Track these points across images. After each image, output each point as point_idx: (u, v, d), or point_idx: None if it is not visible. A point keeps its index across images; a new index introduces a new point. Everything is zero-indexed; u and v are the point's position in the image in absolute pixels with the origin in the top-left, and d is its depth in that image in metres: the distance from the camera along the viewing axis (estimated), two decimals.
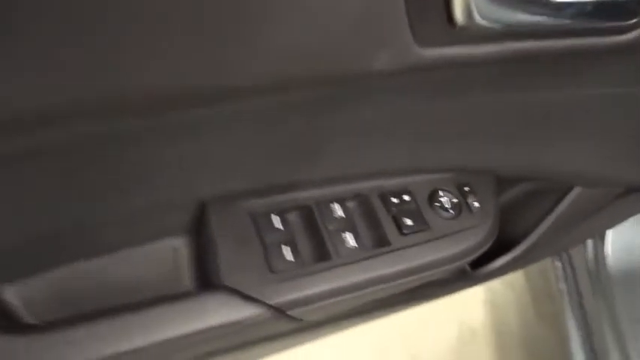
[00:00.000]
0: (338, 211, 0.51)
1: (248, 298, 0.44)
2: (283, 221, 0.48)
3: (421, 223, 0.53)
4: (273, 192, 0.49)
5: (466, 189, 0.57)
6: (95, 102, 0.30)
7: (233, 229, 0.46)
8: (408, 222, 0.52)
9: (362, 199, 0.53)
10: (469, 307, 1.59)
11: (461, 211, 0.55)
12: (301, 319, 0.48)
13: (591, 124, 0.57)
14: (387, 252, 0.50)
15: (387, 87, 0.40)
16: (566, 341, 1.29)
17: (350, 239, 0.49)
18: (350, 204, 0.53)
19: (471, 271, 0.79)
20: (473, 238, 0.54)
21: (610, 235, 1.14)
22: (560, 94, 0.50)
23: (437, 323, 1.57)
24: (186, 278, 0.49)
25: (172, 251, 0.50)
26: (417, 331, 1.58)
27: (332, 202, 0.51)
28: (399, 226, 0.52)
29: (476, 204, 0.56)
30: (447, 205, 0.55)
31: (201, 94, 0.32)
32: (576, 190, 0.70)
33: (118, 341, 0.40)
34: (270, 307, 0.44)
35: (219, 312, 0.42)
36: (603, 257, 1.14)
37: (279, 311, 0.45)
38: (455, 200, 0.55)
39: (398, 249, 0.50)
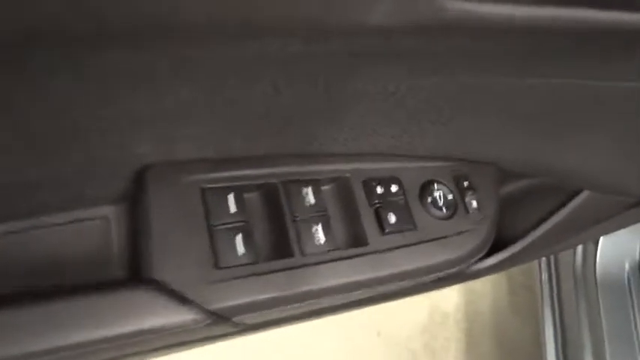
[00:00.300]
0: (309, 196, 0.41)
1: (182, 300, 0.35)
2: (240, 203, 0.39)
3: (407, 222, 0.44)
4: (232, 165, 0.40)
5: (465, 184, 0.48)
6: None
7: (175, 207, 0.37)
8: (392, 219, 0.43)
9: (341, 184, 0.44)
10: (444, 292, 1.55)
11: (455, 211, 0.46)
12: (247, 325, 0.39)
13: (613, 124, 0.48)
14: (362, 254, 0.41)
15: (390, 51, 0.30)
16: (539, 334, 1.24)
17: (319, 234, 0.40)
18: (325, 188, 0.43)
19: (465, 268, 0.71)
20: (465, 245, 0.45)
21: (602, 238, 1.07)
22: (585, 83, 0.41)
23: (409, 304, 1.52)
24: (116, 257, 0.40)
25: (103, 222, 0.40)
26: (386, 310, 1.53)
27: (303, 184, 0.42)
28: (381, 223, 0.43)
29: (474, 203, 0.47)
30: (440, 202, 0.46)
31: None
32: (585, 194, 0.61)
33: (13, 342, 0.32)
34: (209, 312, 0.35)
35: (141, 314, 0.33)
36: (593, 260, 1.08)
37: (221, 318, 0.36)
38: (450, 197, 0.47)
39: (375, 251, 0.42)
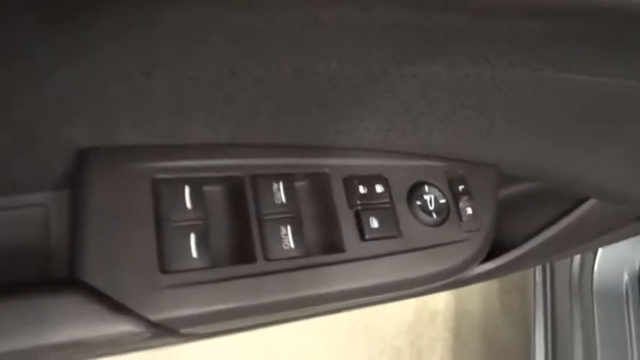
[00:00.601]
0: (280, 193, 0.36)
1: (118, 308, 0.30)
2: (197, 198, 0.34)
3: (391, 228, 0.38)
4: (190, 153, 0.35)
5: (460, 187, 0.42)
6: None
7: (117, 198, 0.32)
8: (374, 223, 0.38)
9: (318, 180, 0.38)
10: None
11: (447, 217, 0.41)
12: (198, 336, 0.35)
13: (630, 129, 0.43)
14: (337, 262, 0.36)
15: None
16: (529, 337, 1.21)
17: (289, 237, 0.35)
18: (299, 185, 0.38)
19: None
20: (455, 257, 0.40)
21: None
22: (603, 81, 0.36)
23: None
24: (55, 252, 0.35)
25: (42, 210, 0.35)
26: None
27: (274, 179, 0.36)
28: (361, 228, 0.37)
29: (468, 210, 0.42)
30: (430, 207, 0.41)
31: None
32: (590, 203, 0.56)
33: None
34: (151, 324, 0.30)
35: (65, 324, 0.28)
36: (591, 268, 1.03)
37: (166, 330, 0.31)
38: (442, 201, 0.41)
39: (353, 259, 0.36)
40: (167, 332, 0.31)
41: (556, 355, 1.16)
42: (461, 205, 0.42)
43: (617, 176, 0.51)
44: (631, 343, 1.00)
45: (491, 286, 1.58)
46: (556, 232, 0.58)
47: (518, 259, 0.61)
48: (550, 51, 0.31)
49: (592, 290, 1.04)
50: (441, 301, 1.52)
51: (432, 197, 0.41)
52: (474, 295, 1.57)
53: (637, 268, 1.05)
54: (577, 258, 1.08)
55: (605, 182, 0.52)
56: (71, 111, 0.28)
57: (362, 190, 0.38)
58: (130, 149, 0.33)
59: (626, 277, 1.04)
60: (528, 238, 0.59)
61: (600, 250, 1.03)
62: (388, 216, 0.39)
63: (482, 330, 1.53)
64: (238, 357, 1.24)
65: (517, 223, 0.60)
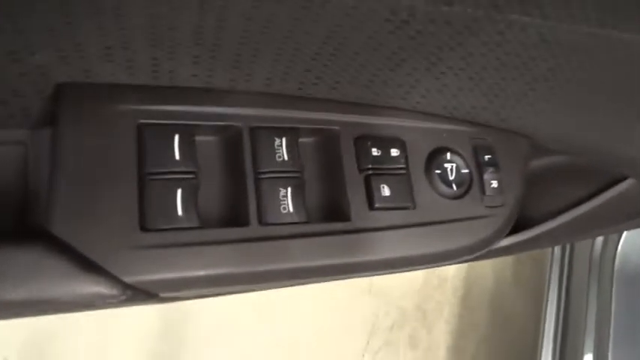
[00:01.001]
0: (282, 149, 0.32)
1: (89, 267, 0.27)
2: (188, 148, 0.30)
3: (404, 197, 0.34)
4: (184, 97, 0.30)
5: (486, 157, 0.38)
6: None
7: (96, 143, 0.28)
8: (386, 191, 0.34)
9: (326, 138, 0.34)
10: None
11: (468, 190, 0.37)
12: (179, 298, 0.32)
13: None
14: (340, 231, 0.32)
15: None
16: (539, 309, 1.18)
17: (288, 200, 0.31)
18: (304, 141, 0.34)
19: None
20: (473, 235, 0.36)
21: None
22: None
23: None
24: (33, 196, 0.32)
25: (18, 148, 0.32)
26: None
27: (277, 132, 0.32)
28: (371, 195, 0.33)
29: (493, 183, 0.37)
30: (450, 177, 0.36)
31: None
32: (628, 183, 0.51)
33: None
34: (126, 286, 0.27)
35: (27, 281, 0.25)
36: (614, 247, 0.98)
37: (143, 293, 0.28)
38: (464, 171, 0.37)
39: (358, 230, 0.32)
40: (145, 295, 0.28)
41: (567, 330, 1.14)
42: (485, 177, 0.37)
43: None
44: None
45: (505, 257, 1.54)
46: (586, 210, 0.53)
47: (541, 236, 0.56)
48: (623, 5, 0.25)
49: (613, 270, 1.00)
50: (451, 267, 1.49)
51: (454, 166, 0.36)
52: (486, 263, 1.54)
53: None
54: (599, 240, 1.03)
55: None
56: (32, 32, 0.24)
57: (375, 152, 0.34)
58: (112, 88, 0.29)
59: None
60: (555, 214, 0.54)
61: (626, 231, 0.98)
62: (402, 184, 0.34)
63: (491, 298, 1.50)
64: (234, 314, 1.24)
65: (544, 198, 0.56)
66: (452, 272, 1.50)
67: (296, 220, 0.31)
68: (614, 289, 0.99)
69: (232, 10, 0.24)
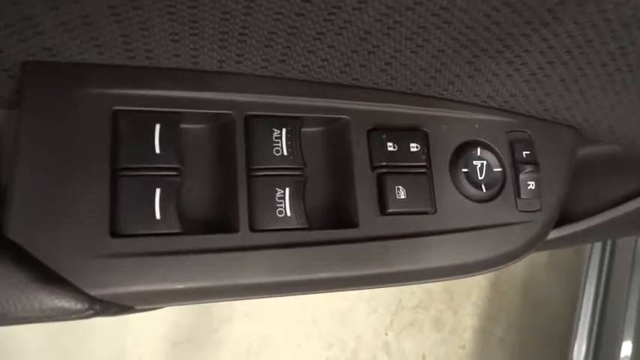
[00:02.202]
0: (281, 140, 0.28)
1: (50, 278, 0.23)
2: (170, 139, 0.26)
3: (422, 200, 0.29)
4: (164, 80, 0.26)
5: (524, 154, 0.32)
6: None
7: (64, 131, 0.24)
8: (401, 193, 0.29)
9: (334, 128, 0.29)
10: None
11: (500, 192, 0.31)
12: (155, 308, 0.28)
13: None
14: (345, 240, 0.28)
15: None
16: (572, 294, 1.13)
17: (285, 202, 0.27)
18: (308, 132, 0.29)
19: None
20: (504, 245, 0.31)
21: None
22: None
23: None
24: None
25: None
26: None
27: (276, 122, 0.28)
28: (384, 197, 0.29)
29: (530, 185, 0.32)
30: (479, 176, 0.31)
31: None
32: None
33: None
34: (91, 300, 0.24)
35: None
36: None
37: (113, 306, 0.25)
38: (497, 170, 0.32)
39: (366, 238, 0.28)
40: (117, 308, 0.25)
41: (604, 319, 1.08)
42: (522, 177, 0.32)
43: None
44: None
45: None
46: (635, 207, 0.47)
47: (583, 232, 0.50)
48: None
49: None
50: None
51: (484, 164, 0.31)
52: None
53: None
54: None
55: None
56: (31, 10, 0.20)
57: (390, 146, 0.29)
58: (83, 68, 0.25)
59: None
60: (602, 209, 0.48)
61: None
62: (421, 184, 0.29)
63: (523, 282, 1.44)
64: (228, 311, 1.23)
65: (588, 191, 0.49)
66: None
67: (294, 225, 0.27)
68: None
69: None
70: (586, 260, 1.14)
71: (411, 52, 0.26)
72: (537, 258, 1.45)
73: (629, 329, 1.01)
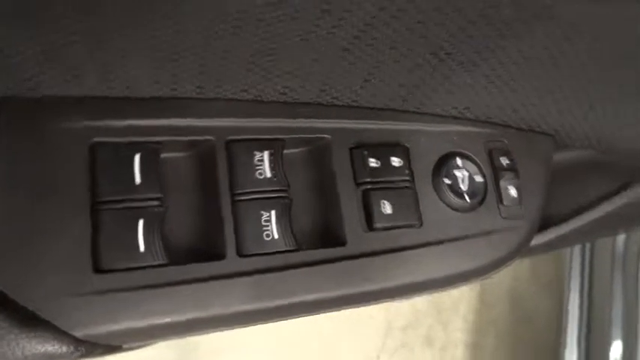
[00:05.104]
0: (265, 165, 0.27)
1: (29, 320, 0.22)
2: (150, 170, 0.25)
3: (409, 215, 0.29)
4: (142, 108, 0.26)
5: (504, 162, 0.33)
6: None
7: (40, 166, 0.24)
8: (387, 208, 0.29)
9: (316, 147, 0.29)
10: None
11: (483, 200, 0.32)
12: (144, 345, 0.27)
13: None
14: (335, 259, 0.27)
15: None
16: (557, 303, 1.14)
17: (272, 225, 0.27)
18: (290, 154, 0.29)
19: None
20: (490, 252, 0.31)
21: None
22: None
23: None
24: None
25: None
26: None
27: (257, 145, 0.27)
28: (370, 213, 0.29)
29: (512, 192, 0.32)
30: (462, 186, 0.31)
31: None
32: None
33: None
34: (76, 341, 0.23)
35: None
36: (639, 240, 0.93)
37: (102, 347, 0.24)
38: (479, 179, 0.32)
39: (355, 256, 0.28)
40: (104, 349, 0.24)
41: (591, 323, 1.09)
42: (502, 184, 0.32)
43: None
44: None
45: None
46: (613, 208, 0.48)
47: (563, 236, 0.51)
48: None
49: (638, 264, 0.94)
50: None
51: (466, 174, 0.31)
52: None
53: None
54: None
55: None
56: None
57: (373, 162, 0.29)
58: (58, 100, 0.24)
59: None
60: (580, 212, 0.49)
61: None
62: (406, 198, 0.29)
63: (510, 294, 1.45)
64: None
65: (567, 195, 0.50)
66: None
67: (282, 248, 0.27)
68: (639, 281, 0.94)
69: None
70: (567, 268, 1.15)
71: (389, 68, 0.26)
72: (521, 271, 1.46)
73: (617, 329, 1.02)
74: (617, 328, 1.02)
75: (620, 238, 0.97)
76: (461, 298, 1.42)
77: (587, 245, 1.08)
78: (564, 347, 1.13)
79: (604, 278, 1.04)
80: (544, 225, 0.50)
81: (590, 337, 1.09)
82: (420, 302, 1.37)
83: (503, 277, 1.46)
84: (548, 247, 0.54)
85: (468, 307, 1.41)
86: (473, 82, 0.28)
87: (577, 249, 1.11)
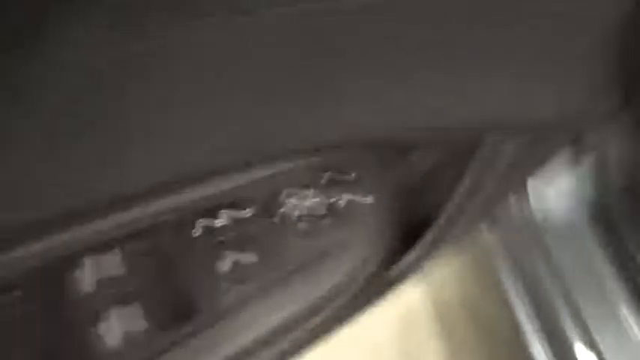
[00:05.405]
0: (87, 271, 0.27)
1: None
2: None
3: (249, 259, 0.30)
4: None
5: (322, 178, 0.34)
6: None
7: None
8: (225, 266, 0.29)
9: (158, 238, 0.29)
10: (402, 291, 1.42)
11: (324, 216, 0.33)
12: None
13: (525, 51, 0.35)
14: (190, 334, 0.27)
15: None
16: (512, 310, 1.14)
17: (113, 323, 0.26)
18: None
19: (385, 272, 0.56)
20: (347, 261, 0.32)
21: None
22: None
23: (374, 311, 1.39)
24: None
25: None
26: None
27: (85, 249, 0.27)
28: (212, 275, 0.29)
29: (343, 198, 0.34)
30: (296, 212, 0.32)
31: None
32: (488, 144, 0.50)
33: None
34: None
35: None
36: (529, 211, 0.99)
37: None
38: (315, 200, 0.33)
39: (211, 322, 0.27)
40: None
41: (539, 307, 1.09)
42: (332, 196, 0.33)
43: (510, 105, 0.45)
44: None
45: (463, 272, 1.51)
46: (467, 186, 0.51)
47: (446, 230, 0.53)
48: None
49: (541, 232, 1.00)
50: (414, 299, 1.44)
51: (296, 202, 0.33)
52: (447, 284, 1.50)
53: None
54: (515, 209, 1.04)
55: (499, 116, 0.46)
56: None
57: (197, 230, 0.29)
58: None
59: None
60: (442, 206, 0.51)
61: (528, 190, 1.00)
62: (244, 244, 0.30)
63: (467, 313, 1.46)
64: None
65: (427, 197, 0.53)
66: (418, 302, 1.45)
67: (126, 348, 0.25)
68: (551, 248, 0.99)
69: None
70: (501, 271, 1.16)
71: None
72: (466, 286, 1.48)
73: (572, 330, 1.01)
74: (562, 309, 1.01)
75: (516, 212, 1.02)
76: (425, 329, 1.41)
77: (505, 238, 1.11)
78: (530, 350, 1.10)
79: (529, 263, 1.07)
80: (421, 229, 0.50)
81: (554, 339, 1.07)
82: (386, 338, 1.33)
83: (456, 300, 1.48)
84: (444, 243, 0.56)
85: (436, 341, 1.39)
86: (286, 107, 0.29)
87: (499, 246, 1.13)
